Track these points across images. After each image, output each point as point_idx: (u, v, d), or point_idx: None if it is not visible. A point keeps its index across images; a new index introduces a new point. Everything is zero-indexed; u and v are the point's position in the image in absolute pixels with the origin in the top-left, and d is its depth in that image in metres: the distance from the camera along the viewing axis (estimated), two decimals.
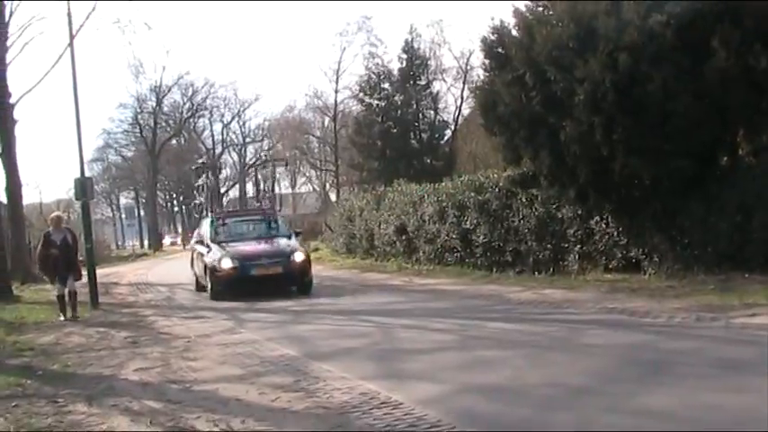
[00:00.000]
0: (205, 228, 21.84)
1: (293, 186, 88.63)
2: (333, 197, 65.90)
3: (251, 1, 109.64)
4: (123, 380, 9.61)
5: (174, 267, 37.06)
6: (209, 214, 23.52)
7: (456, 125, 48.28)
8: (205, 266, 19.78)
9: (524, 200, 19.56)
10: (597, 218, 17.47)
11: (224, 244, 19.93)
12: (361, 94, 48.02)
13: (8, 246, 25.30)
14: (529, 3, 17.49)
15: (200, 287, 21.25)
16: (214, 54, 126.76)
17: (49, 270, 16.65)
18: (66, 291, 16.27)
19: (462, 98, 48.64)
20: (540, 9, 17.28)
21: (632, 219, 16.56)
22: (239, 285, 18.59)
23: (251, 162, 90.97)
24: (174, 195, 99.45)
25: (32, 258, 32.10)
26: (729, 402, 6.63)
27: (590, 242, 17.80)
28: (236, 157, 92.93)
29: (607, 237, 17.32)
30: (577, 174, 16.32)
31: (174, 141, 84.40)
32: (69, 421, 7.48)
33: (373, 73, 47.49)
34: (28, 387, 9.28)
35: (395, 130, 44.62)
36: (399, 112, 45.22)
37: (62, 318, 16.02)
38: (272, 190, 72.43)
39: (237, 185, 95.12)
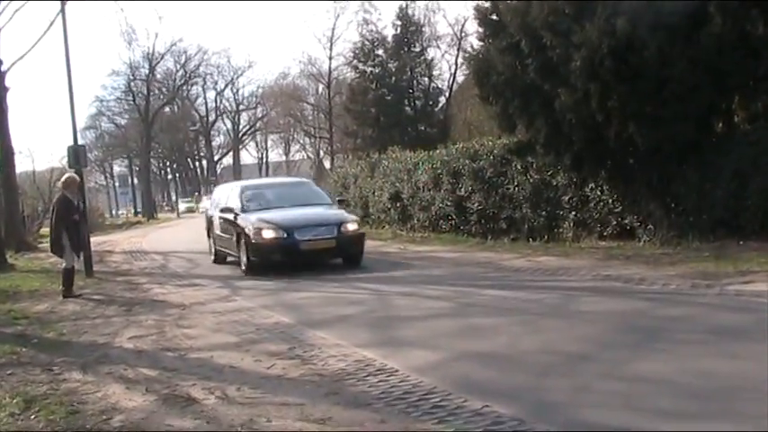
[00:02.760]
0: (231, 194, 19.28)
1: (287, 154, 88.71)
2: (327, 165, 65.83)
3: None
4: (118, 348, 9.61)
5: (168, 235, 37.07)
6: (232, 182, 21.78)
7: (450, 92, 48.15)
8: (238, 236, 17.26)
9: (519, 167, 19.54)
10: (592, 185, 17.46)
11: (258, 212, 17.40)
12: (356, 61, 47.82)
13: (1, 214, 25.22)
14: None
15: (219, 259, 19.74)
16: (207, 21, 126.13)
17: (74, 239, 14.74)
18: (77, 262, 15.20)
19: (457, 65, 48.49)
20: None
21: (627, 186, 16.56)
22: (286, 257, 16.29)
23: (244, 129, 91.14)
24: (168, 163, 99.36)
25: (27, 227, 32.18)
26: (724, 368, 6.65)
27: (585, 209, 17.79)
28: (229, 125, 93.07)
29: (602, 204, 17.32)
30: (572, 141, 16.30)
31: (167, 109, 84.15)
32: (65, 389, 7.48)
33: (367, 40, 47.28)
34: (23, 355, 9.28)
35: (389, 98, 44.51)
36: (393, 79, 45.08)
37: (73, 295, 14.51)
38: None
39: (231, 153, 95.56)
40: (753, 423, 5.23)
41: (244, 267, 16.79)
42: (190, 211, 72.79)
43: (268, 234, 16.32)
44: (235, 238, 17.48)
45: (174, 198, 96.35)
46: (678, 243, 15.02)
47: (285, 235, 16.15)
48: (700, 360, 7.02)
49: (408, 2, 45.71)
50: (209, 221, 20.83)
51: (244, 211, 17.56)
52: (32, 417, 6.57)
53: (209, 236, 21.07)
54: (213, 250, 20.37)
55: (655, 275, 12.14)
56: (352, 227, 16.85)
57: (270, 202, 18.17)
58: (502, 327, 9.28)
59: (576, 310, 10.25)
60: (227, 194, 19.89)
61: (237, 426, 5.99)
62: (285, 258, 16.20)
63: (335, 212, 17.90)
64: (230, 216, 17.86)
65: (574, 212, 18.08)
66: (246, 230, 16.72)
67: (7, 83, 29.33)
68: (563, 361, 7.40)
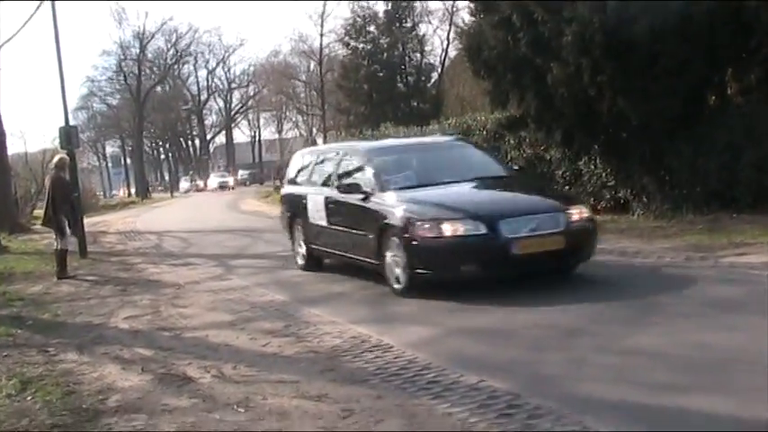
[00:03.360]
0: (344, 164, 12.58)
1: (280, 132, 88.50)
2: (320, 142, 65.67)
3: None
4: (113, 328, 9.62)
5: (162, 214, 37.01)
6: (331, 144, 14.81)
7: (443, 68, 48.07)
8: (380, 232, 10.53)
9: (512, 142, 19.52)
10: (585, 159, 17.44)
11: (411, 191, 10.78)
12: (347, 38, 47.66)
13: None
14: None
15: (312, 262, 13.22)
16: None
17: (69, 220, 14.80)
18: (71, 244, 15.24)
19: (449, 40, 48.37)
20: None
21: (620, 160, 16.54)
22: (489, 267, 9.69)
23: (236, 108, 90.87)
24: (161, 143, 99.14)
25: (20, 209, 32.11)
26: (718, 341, 6.67)
27: (578, 183, 17.79)
28: (221, 104, 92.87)
29: (595, 178, 17.32)
30: (564, 115, 16.26)
31: (158, 88, 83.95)
32: (61, 370, 7.49)
33: (359, 16, 47.09)
34: (18, 337, 9.29)
35: (381, 74, 44.43)
36: (385, 55, 44.98)
37: (68, 276, 14.53)
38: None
39: (224, 132, 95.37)
40: (748, 395, 5.25)
41: (399, 284, 10.16)
42: (223, 187, 79.06)
43: (452, 228, 9.74)
44: (372, 236, 10.78)
45: (167, 178, 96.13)
46: (672, 216, 15.03)
47: (485, 230, 9.65)
48: (694, 333, 7.04)
49: None
50: (294, 204, 13.95)
51: (383, 189, 10.98)
52: (29, 398, 6.59)
53: (290, 228, 14.06)
54: (304, 249, 13.37)
55: (649, 248, 12.16)
56: (582, 212, 10.58)
57: (424, 176, 11.37)
58: (496, 302, 9.27)
59: (569, 283, 10.24)
60: (323, 165, 13.40)
61: (234, 404, 6.00)
62: (486, 269, 9.68)
63: (544, 191, 12.39)
64: (356, 199, 11.29)
65: (567, 186, 18.06)
66: (401, 222, 10.18)
67: None
68: (557, 335, 7.41)
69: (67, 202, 14.88)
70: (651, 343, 6.78)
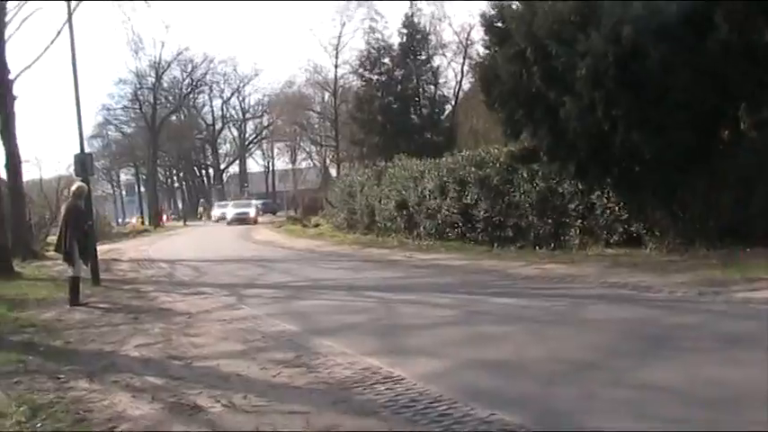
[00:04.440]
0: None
1: (293, 162, 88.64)
2: (333, 173, 65.84)
3: None
4: (124, 356, 9.61)
5: (175, 243, 37.08)
6: None
7: (456, 100, 48.19)
8: None
9: (525, 175, 19.54)
10: (598, 192, 17.45)
11: None
12: (362, 70, 47.86)
13: (9, 222, 25.24)
14: None
15: None
16: (213, 29, 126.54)
17: (82, 248, 14.86)
18: (83, 272, 15.16)
19: (463, 73, 48.55)
20: None
21: (633, 193, 16.54)
22: None
23: (251, 138, 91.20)
24: (175, 171, 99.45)
25: (33, 234, 32.19)
26: (731, 376, 6.63)
27: (591, 217, 17.78)
28: (235, 133, 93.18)
29: (608, 211, 17.31)
30: (577, 149, 16.29)
31: (173, 117, 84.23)
32: (71, 397, 7.47)
33: (373, 48, 47.31)
34: (30, 363, 9.27)
35: (395, 106, 44.53)
36: (400, 87, 45.10)
37: (80, 304, 14.48)
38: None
39: (238, 161, 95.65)
40: None
41: None
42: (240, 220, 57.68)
43: None
44: None
45: (179, 206, 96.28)
46: (685, 250, 15.01)
47: None
48: (707, 368, 7.00)
49: (414, 10, 45.81)
50: None
51: None
52: (39, 425, 6.57)
53: None
54: None
55: (662, 283, 12.12)
56: None
57: None
58: (508, 335, 9.27)
59: (582, 317, 10.24)
60: None
61: None
62: None
63: None
64: None
65: (580, 220, 18.07)
66: None
67: (15, 91, 29.36)
68: (570, 369, 7.38)
69: (80, 230, 14.94)
70: (664, 377, 6.74)
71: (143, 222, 77.12)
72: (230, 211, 61.97)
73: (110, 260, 25.83)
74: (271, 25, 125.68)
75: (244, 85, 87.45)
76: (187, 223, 71.22)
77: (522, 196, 19.75)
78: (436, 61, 47.50)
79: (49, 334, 11.46)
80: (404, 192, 26.44)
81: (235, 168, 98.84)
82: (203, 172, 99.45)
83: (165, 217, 76.76)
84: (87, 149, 21.68)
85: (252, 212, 60.64)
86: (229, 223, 56.93)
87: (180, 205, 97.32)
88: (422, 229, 25.16)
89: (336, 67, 61.24)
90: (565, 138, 16.24)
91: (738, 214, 14.41)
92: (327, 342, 9.48)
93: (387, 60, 46.29)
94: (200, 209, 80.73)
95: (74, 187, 16.10)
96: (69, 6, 21.12)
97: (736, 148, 15.18)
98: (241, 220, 57.36)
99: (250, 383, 7.63)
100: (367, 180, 31.38)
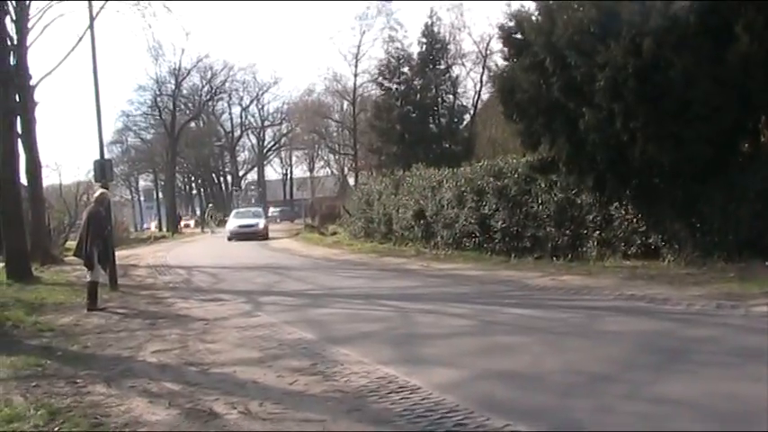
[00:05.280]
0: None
1: (311, 170, 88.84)
2: (351, 181, 65.88)
3: None
4: (142, 361, 9.66)
5: (192, 250, 37.16)
6: None
7: (475, 110, 48.12)
8: None
9: (543, 185, 19.51)
10: (616, 204, 17.39)
11: None
12: (381, 78, 47.84)
13: (28, 227, 25.40)
14: None
15: None
16: (233, 37, 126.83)
17: (101, 253, 15.02)
18: (102, 277, 15.18)
19: (482, 83, 48.49)
20: None
21: (651, 205, 16.48)
22: None
23: (269, 145, 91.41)
24: (193, 178, 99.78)
25: (52, 239, 32.38)
26: (748, 391, 6.60)
27: (609, 228, 17.73)
28: (254, 141, 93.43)
29: (626, 223, 17.25)
30: (596, 160, 16.27)
31: (192, 124, 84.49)
32: (88, 402, 7.52)
33: (393, 57, 47.29)
34: (47, 367, 9.34)
35: (414, 115, 44.47)
36: (418, 96, 45.04)
37: (98, 309, 14.58)
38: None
39: (256, 168, 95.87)
40: None
41: None
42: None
43: None
44: None
45: (197, 212, 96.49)
46: (703, 263, 14.93)
47: None
48: (724, 382, 6.97)
49: (434, 19, 45.82)
50: None
51: None
52: (56, 429, 6.62)
53: None
54: None
55: (679, 295, 12.08)
56: None
57: None
58: (525, 346, 9.26)
59: (599, 329, 10.21)
60: None
61: None
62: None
63: None
64: None
65: (598, 231, 18.02)
66: None
67: (36, 97, 29.60)
68: (586, 381, 7.37)
69: (100, 236, 15.07)
70: (680, 391, 6.72)
71: (160, 228, 77.38)
72: (231, 222, 47.03)
73: (128, 266, 25.95)
74: (291, 33, 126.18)
75: (263, 93, 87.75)
76: (204, 230, 71.36)
77: (540, 207, 19.72)
78: (455, 71, 47.45)
79: (66, 338, 11.54)
80: (421, 201, 26.44)
81: (253, 176, 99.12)
82: (222, 179, 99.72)
83: (182, 223, 76.10)
84: (107, 155, 21.82)
85: (261, 224, 45.74)
86: (230, 239, 43.51)
87: (198, 212, 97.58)
88: (439, 238, 25.14)
89: (356, 75, 61.38)
90: (583, 149, 16.22)
91: (757, 227, 14.34)
92: (344, 350, 9.49)
93: (406, 69, 46.26)
94: (208, 216, 66.48)
95: (97, 194, 16.32)
96: (91, 13, 21.29)
97: (756, 161, 15.11)
98: (245, 234, 43.08)
99: (266, 391, 7.66)
100: (385, 189, 31.39)
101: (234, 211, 53.73)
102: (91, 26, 20.99)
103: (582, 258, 18.26)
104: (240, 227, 44.79)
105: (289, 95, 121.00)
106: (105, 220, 15.28)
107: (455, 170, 24.94)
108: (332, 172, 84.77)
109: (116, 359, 9.84)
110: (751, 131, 15.91)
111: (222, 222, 62.17)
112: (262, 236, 43.41)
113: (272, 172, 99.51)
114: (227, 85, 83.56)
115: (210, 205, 74.68)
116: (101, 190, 17.29)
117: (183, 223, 76.34)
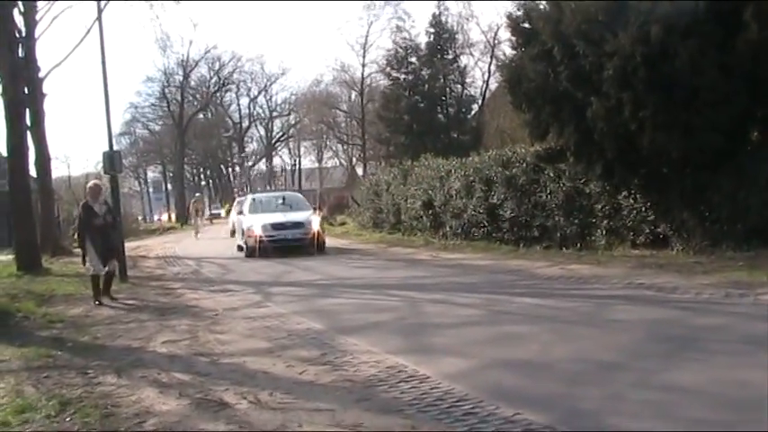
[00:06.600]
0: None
1: (320, 161, 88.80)
2: (360, 171, 65.90)
3: None
4: (152, 352, 9.70)
5: (201, 241, 37.19)
6: None
7: (483, 99, 48.09)
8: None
9: (552, 175, 19.47)
10: (625, 193, 17.35)
11: None
12: (389, 69, 47.86)
13: (38, 219, 25.49)
14: None
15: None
16: (241, 28, 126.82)
17: (94, 242, 14.50)
18: (106, 271, 14.71)
19: (490, 72, 48.48)
20: None
21: (660, 194, 16.44)
22: None
23: (277, 136, 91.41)
24: (201, 169, 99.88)
25: (61, 231, 32.49)
26: (757, 378, 6.58)
27: (617, 217, 17.69)
28: (262, 132, 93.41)
29: (635, 212, 17.21)
30: (604, 149, 16.23)
31: (201, 115, 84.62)
32: (99, 392, 7.56)
33: (400, 47, 47.28)
34: (58, 358, 9.39)
35: (422, 105, 44.47)
36: (426, 86, 45.03)
37: (96, 301, 14.37)
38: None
39: (264, 159, 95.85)
40: None
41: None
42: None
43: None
44: None
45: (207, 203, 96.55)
46: (712, 252, 14.91)
47: None
48: (733, 370, 6.97)
49: (442, 9, 45.78)
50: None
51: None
52: (67, 419, 6.66)
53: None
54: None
55: (688, 284, 12.06)
56: None
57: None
58: (534, 335, 9.26)
59: (608, 318, 10.21)
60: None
61: (269, 431, 6.03)
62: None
63: None
64: None
65: (606, 220, 17.98)
66: None
67: (44, 89, 29.66)
68: (595, 369, 7.38)
69: (88, 229, 14.65)
70: (689, 379, 6.72)
71: (170, 219, 77.44)
72: (250, 221, 25.54)
73: (137, 257, 26.04)
74: (298, 24, 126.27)
75: (271, 84, 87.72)
76: (214, 222, 71.31)
77: (549, 196, 19.69)
78: (463, 61, 47.45)
79: (77, 329, 11.59)
80: (430, 191, 26.42)
81: (261, 167, 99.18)
82: (230, 170, 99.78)
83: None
84: (116, 147, 21.84)
85: (312, 222, 25.40)
86: (248, 252, 24.70)
87: (207, 202, 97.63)
88: (448, 228, 25.13)
89: (363, 66, 61.48)
90: (592, 138, 16.18)
91: (766, 216, 14.29)
92: (353, 340, 9.51)
93: (414, 60, 46.24)
94: (193, 210, 45.82)
95: (89, 185, 16.13)
96: (99, 5, 21.30)
97: (766, 149, 15.06)
98: (283, 242, 24.33)
99: (276, 381, 7.68)
100: (393, 179, 31.39)
101: (249, 198, 30.30)
102: (99, 18, 20.98)
103: (590, 247, 18.24)
104: (274, 227, 24.67)
105: (297, 86, 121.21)
106: (91, 210, 14.67)
107: (463, 160, 24.93)
108: (340, 162, 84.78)
109: (126, 350, 9.88)
110: (760, 120, 15.83)
111: (215, 217, 56.74)
112: (314, 245, 24.70)
113: (281, 163, 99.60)
114: (235, 76, 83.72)
115: (198, 195, 58.86)
116: (93, 181, 17.16)
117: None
